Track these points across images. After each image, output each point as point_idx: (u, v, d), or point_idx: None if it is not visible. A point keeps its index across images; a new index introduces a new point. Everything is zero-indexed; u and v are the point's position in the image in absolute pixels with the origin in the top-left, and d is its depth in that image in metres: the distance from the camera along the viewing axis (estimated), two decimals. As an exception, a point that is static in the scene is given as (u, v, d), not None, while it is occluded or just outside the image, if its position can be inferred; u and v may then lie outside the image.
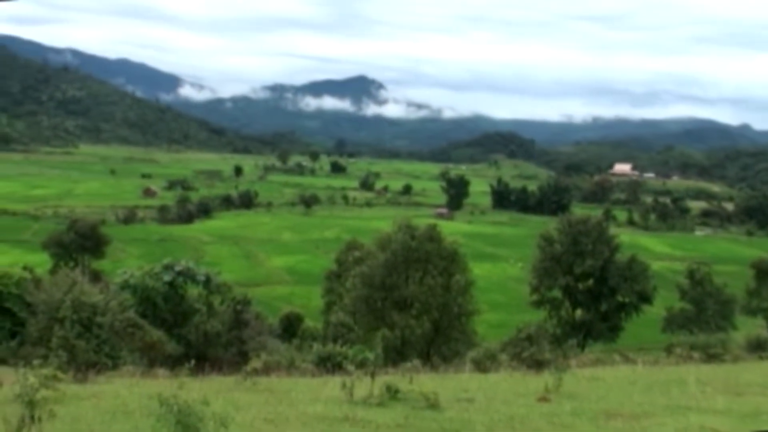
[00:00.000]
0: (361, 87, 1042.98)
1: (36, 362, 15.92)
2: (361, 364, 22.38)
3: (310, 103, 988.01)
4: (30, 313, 35.52)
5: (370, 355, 27.17)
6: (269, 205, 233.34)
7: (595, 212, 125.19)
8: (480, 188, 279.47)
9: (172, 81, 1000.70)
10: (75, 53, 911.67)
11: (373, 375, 18.23)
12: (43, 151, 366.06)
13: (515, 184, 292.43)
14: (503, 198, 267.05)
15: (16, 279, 39.99)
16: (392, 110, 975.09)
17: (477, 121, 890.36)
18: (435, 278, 48.37)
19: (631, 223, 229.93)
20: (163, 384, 19.43)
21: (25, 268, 47.16)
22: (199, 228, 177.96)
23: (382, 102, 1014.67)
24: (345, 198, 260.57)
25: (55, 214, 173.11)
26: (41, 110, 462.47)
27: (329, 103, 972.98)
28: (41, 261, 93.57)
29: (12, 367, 22.36)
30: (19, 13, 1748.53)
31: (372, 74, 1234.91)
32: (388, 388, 17.44)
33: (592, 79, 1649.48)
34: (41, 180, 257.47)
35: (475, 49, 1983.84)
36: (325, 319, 63.81)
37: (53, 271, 61.90)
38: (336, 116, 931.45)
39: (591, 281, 76.54)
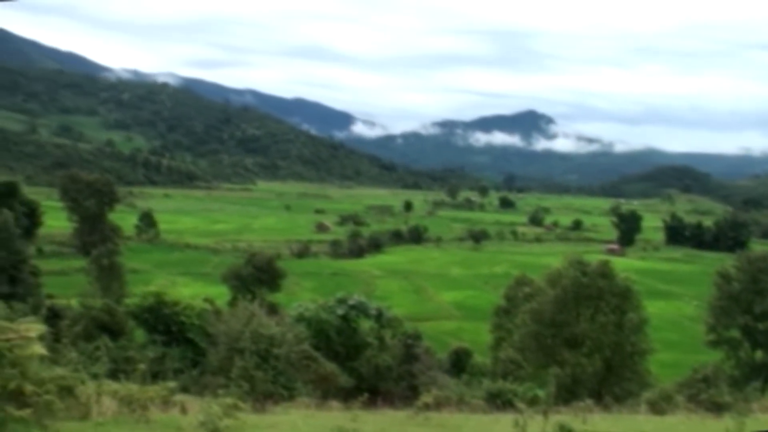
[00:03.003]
0: (530, 121, 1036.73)
1: (221, 392, 16.69)
2: (532, 402, 22.18)
3: (480, 138, 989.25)
4: (210, 343, 37.01)
5: (541, 393, 26.87)
6: (438, 240, 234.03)
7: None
8: (653, 224, 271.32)
9: (345, 119, 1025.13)
10: (254, 94, 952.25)
11: (545, 414, 18.05)
12: (223, 187, 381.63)
13: (690, 219, 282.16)
14: (677, 234, 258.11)
15: (198, 310, 41.86)
16: (562, 145, 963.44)
17: (650, 154, 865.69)
18: (607, 315, 47.24)
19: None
20: (337, 416, 19.85)
21: (206, 299, 49.13)
22: (369, 262, 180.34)
23: (551, 136, 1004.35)
24: (514, 233, 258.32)
25: (234, 248, 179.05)
26: (222, 149, 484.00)
27: (499, 138, 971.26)
28: (220, 293, 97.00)
29: (194, 396, 23.38)
30: (205, 58, 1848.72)
31: (542, 108, 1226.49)
32: (562, 428, 17.20)
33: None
34: (222, 215, 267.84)
35: (647, 81, 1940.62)
36: (493, 355, 63.44)
37: (232, 303, 64.21)
38: (505, 151, 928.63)
39: (773, 322, 72.80)
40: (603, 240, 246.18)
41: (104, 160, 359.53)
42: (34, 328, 15.22)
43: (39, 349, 15.04)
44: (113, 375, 21.69)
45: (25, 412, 14.27)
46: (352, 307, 43.80)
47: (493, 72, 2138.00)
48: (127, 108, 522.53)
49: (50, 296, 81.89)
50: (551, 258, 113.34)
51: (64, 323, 43.54)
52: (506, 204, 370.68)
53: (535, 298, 52.27)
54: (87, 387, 17.04)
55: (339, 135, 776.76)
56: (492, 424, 19.67)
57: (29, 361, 14.85)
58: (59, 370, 16.40)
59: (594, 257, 59.67)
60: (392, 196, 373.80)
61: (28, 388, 14.50)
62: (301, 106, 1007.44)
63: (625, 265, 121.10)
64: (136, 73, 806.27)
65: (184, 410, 17.79)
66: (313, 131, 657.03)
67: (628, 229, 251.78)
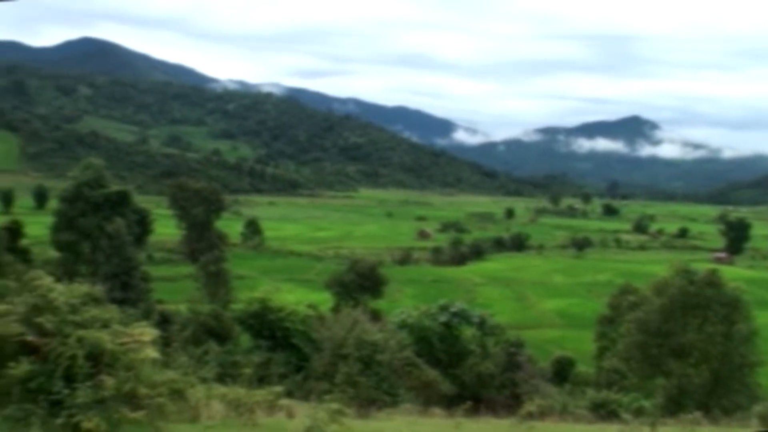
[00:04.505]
0: (634, 127, 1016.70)
1: (327, 397, 16.96)
2: (638, 413, 21.86)
3: (583, 144, 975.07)
4: (314, 349, 37.52)
5: (647, 404, 26.42)
6: (541, 247, 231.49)
7: None
8: (762, 232, 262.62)
9: (446, 126, 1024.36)
10: (357, 102, 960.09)
11: (653, 425, 17.78)
12: (326, 195, 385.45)
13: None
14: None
15: (302, 316, 42.45)
16: (667, 151, 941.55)
17: (759, 161, 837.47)
18: (715, 326, 46.11)
19: None
20: (440, 423, 19.92)
21: (309, 306, 49.68)
22: (471, 270, 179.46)
23: (656, 142, 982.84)
24: (618, 241, 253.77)
25: (336, 255, 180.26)
26: (325, 157, 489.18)
27: (602, 144, 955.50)
28: (323, 299, 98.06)
29: (298, 400, 23.76)
30: (308, 67, 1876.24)
31: (646, 114, 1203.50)
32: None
33: None
34: (324, 222, 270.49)
35: (756, 86, 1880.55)
36: (597, 364, 62.61)
37: (335, 310, 64.91)
38: (608, 158, 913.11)
39: None
40: (710, 248, 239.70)
41: (211, 168, 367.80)
42: (147, 332, 15.76)
43: (152, 352, 15.57)
44: (220, 379, 22.22)
45: (139, 414, 14.79)
46: (455, 314, 43.86)
47: (596, 77, 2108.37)
48: (233, 118, 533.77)
49: (160, 302, 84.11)
50: (656, 266, 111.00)
51: (173, 328, 44.76)
52: (610, 211, 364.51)
53: (641, 307, 51.37)
54: (197, 390, 17.51)
55: (440, 142, 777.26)
56: (596, 434, 19.44)
57: (143, 365, 15.39)
58: (170, 374, 16.88)
59: (701, 266, 58.31)
60: (494, 204, 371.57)
61: (142, 390, 15.01)
62: (402, 113, 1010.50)
63: (734, 274, 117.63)
64: (241, 83, 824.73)
65: (290, 414, 18.13)
66: (415, 139, 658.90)
67: (737, 237, 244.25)
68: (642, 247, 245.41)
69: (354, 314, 34.53)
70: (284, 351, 39.56)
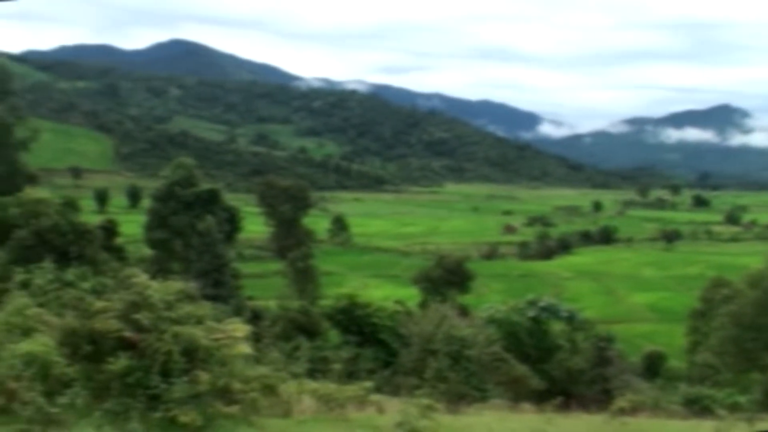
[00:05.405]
0: (724, 116, 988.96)
1: (417, 393, 17.06)
2: (733, 409, 21.40)
3: (671, 135, 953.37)
4: (402, 344, 37.69)
5: (742, 399, 25.86)
6: (629, 240, 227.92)
7: None
8: None
9: (531, 119, 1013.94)
10: (441, 97, 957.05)
11: (750, 421, 17.41)
12: (412, 190, 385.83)
13: None
14: None
15: (389, 312, 42.68)
16: (759, 139, 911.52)
17: None
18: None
19: None
20: (530, 419, 19.81)
21: (396, 302, 49.87)
22: (558, 264, 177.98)
23: (747, 131, 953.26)
24: (709, 233, 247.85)
25: (422, 251, 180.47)
26: (410, 152, 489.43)
27: (691, 134, 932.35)
28: (410, 295, 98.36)
29: (387, 396, 23.91)
30: (392, 64, 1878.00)
31: (736, 102, 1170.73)
32: (767, 436, 16.55)
33: None
34: (410, 218, 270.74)
35: None
36: (689, 359, 61.56)
37: (423, 305, 65.04)
38: (698, 148, 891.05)
39: None
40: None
41: (298, 166, 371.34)
42: (240, 328, 16.09)
43: (245, 348, 15.90)
44: (310, 374, 22.49)
45: (233, 409, 15.12)
46: (543, 309, 43.60)
47: (683, 66, 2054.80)
48: (318, 115, 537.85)
49: (250, 298, 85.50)
50: (750, 258, 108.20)
51: (264, 324, 45.41)
52: (700, 202, 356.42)
53: (734, 300, 50.33)
54: (288, 386, 17.77)
55: (525, 136, 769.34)
56: (692, 430, 19.10)
57: (236, 360, 15.71)
58: (262, 369, 17.19)
59: (797, 258, 56.62)
60: (580, 197, 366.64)
61: (236, 385, 15.35)
62: (487, 107, 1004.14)
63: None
64: (326, 81, 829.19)
65: (380, 410, 18.26)
66: (500, 133, 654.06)
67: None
68: (734, 239, 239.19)
69: (442, 309, 34.57)
70: (372, 347, 39.80)
